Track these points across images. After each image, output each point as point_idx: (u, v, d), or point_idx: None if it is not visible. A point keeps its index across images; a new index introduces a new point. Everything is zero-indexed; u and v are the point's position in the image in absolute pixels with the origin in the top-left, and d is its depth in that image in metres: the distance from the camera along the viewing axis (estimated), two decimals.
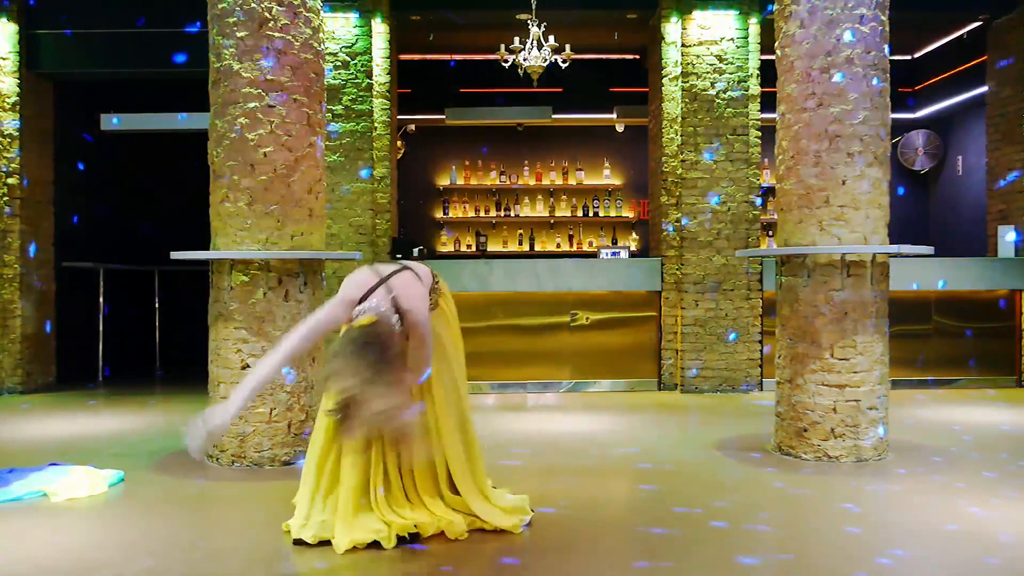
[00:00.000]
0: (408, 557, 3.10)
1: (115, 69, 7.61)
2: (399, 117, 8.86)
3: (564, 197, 10.16)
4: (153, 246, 7.38)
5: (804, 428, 4.66)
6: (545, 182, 10.13)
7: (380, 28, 7.35)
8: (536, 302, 7.30)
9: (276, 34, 4.50)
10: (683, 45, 7.21)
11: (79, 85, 8.10)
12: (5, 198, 7.23)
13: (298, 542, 3.22)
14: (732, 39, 7.18)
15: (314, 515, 3.25)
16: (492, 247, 10.10)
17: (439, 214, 10.15)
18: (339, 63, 7.17)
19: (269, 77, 4.49)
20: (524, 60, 7.23)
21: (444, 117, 9.61)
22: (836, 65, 4.57)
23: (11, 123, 7.25)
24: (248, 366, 4.47)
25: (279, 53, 4.51)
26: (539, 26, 7.23)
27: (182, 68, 7.26)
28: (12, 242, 7.26)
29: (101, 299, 8.13)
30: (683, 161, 7.21)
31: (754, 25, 7.23)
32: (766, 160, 9.29)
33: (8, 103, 7.25)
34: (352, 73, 7.20)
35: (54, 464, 4.35)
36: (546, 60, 7.25)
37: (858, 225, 4.57)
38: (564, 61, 7.31)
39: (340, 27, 7.19)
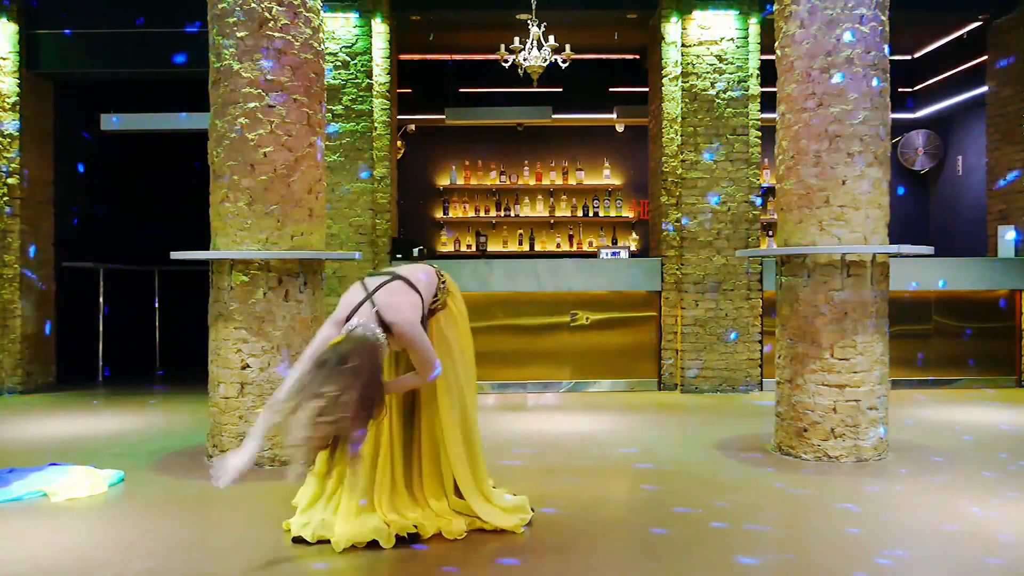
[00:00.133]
0: (408, 557, 3.10)
1: (115, 69, 7.62)
2: (399, 117, 8.86)
3: (564, 197, 10.16)
4: (153, 246, 7.38)
5: (804, 428, 4.66)
6: (545, 182, 10.13)
7: (380, 28, 7.35)
8: (536, 302, 7.30)
9: (276, 34, 4.50)
10: (683, 45, 7.21)
11: (79, 85, 8.11)
12: (5, 198, 7.23)
13: (297, 540, 3.22)
14: (732, 39, 7.18)
15: (315, 514, 3.26)
16: (492, 247, 10.10)
17: (439, 214, 10.15)
18: (339, 63, 7.17)
19: (269, 77, 4.49)
20: (524, 60, 7.23)
21: (444, 117, 9.61)
22: (836, 65, 4.57)
23: (11, 123, 7.25)
24: (248, 366, 4.47)
25: (279, 53, 4.51)
26: (539, 26, 7.23)
27: (182, 68, 7.27)
28: (12, 242, 7.26)
29: (101, 299, 8.13)
30: (683, 161, 7.21)
31: (754, 25, 7.23)
32: (766, 160, 9.29)
33: (8, 103, 7.26)
34: (352, 73, 7.20)
35: (54, 464, 4.35)
36: (546, 60, 7.25)
37: (858, 225, 4.57)
38: (564, 61, 7.31)
39: (340, 27, 7.19)
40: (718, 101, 7.18)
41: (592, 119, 9.91)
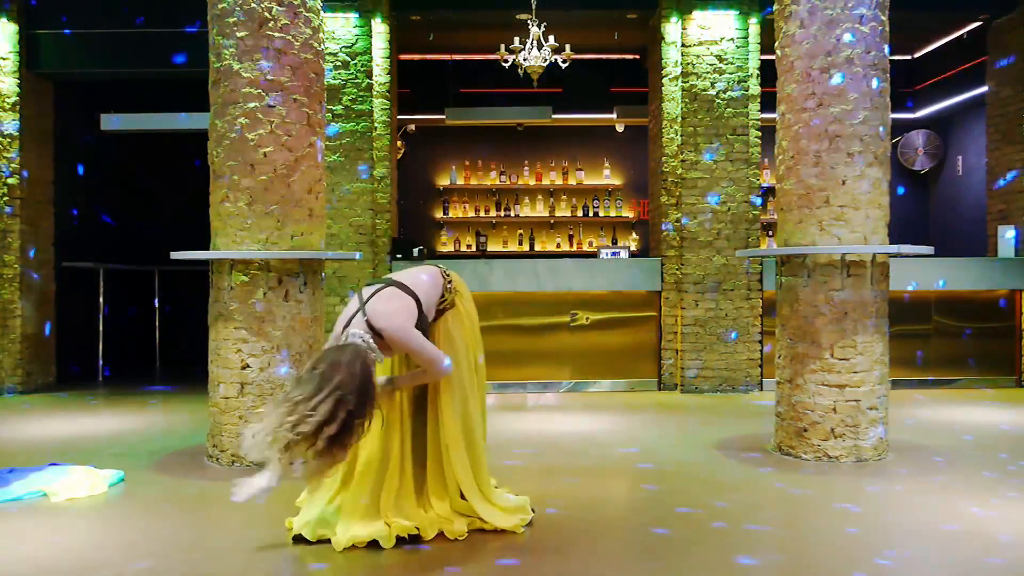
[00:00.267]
0: (408, 557, 3.10)
1: (115, 69, 7.62)
2: (399, 117, 8.86)
3: (564, 197, 10.16)
4: (153, 246, 7.38)
5: (804, 428, 4.66)
6: (545, 182, 10.12)
7: (380, 28, 7.34)
8: (536, 302, 7.30)
9: (276, 34, 4.50)
10: (683, 45, 7.21)
11: (79, 85, 8.11)
12: (5, 198, 7.23)
13: (298, 539, 3.23)
14: (732, 39, 7.18)
15: (317, 513, 3.27)
16: (492, 247, 10.10)
17: (439, 214, 10.15)
18: (339, 63, 7.17)
19: (269, 77, 4.49)
20: (524, 60, 7.22)
21: (444, 117, 9.60)
22: (836, 65, 4.57)
23: (11, 123, 7.25)
24: (248, 366, 4.47)
25: (279, 53, 4.51)
26: (539, 26, 7.22)
27: (182, 68, 7.27)
28: (12, 242, 7.26)
29: (101, 299, 8.13)
30: (683, 161, 7.21)
31: (754, 25, 7.23)
32: (766, 160, 9.29)
33: (8, 103, 7.26)
34: (352, 73, 7.20)
35: (54, 464, 4.35)
36: (546, 60, 7.25)
37: (858, 225, 4.57)
38: (564, 61, 7.31)
39: (340, 27, 7.19)
40: (718, 101, 7.18)
41: (592, 119, 9.91)
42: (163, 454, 4.85)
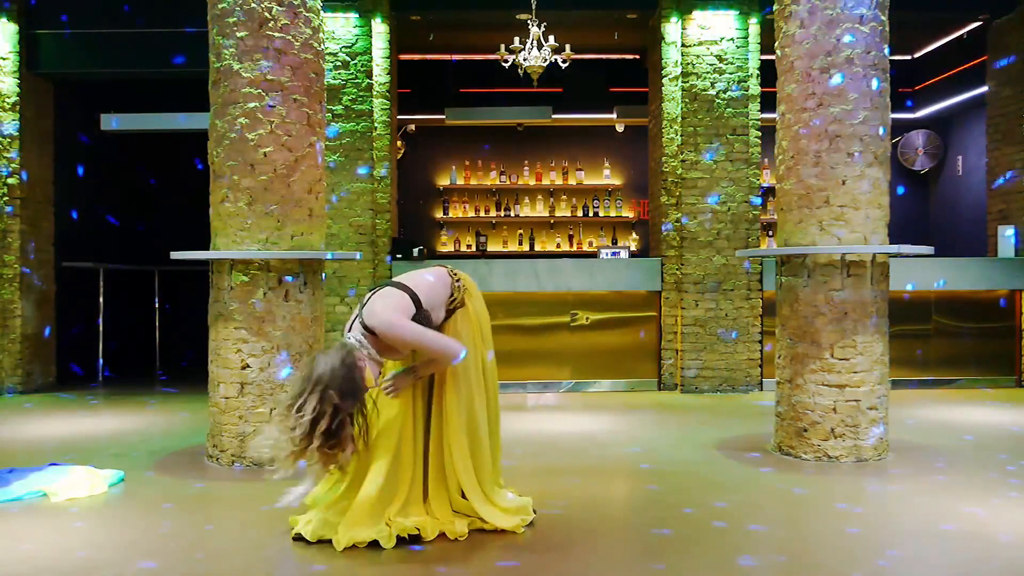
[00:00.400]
0: (408, 557, 3.10)
1: (115, 69, 7.62)
2: (399, 117, 8.86)
3: (564, 197, 10.16)
4: (153, 246, 7.38)
5: (804, 428, 4.66)
6: (545, 182, 10.12)
7: (380, 28, 7.34)
8: (536, 302, 7.30)
9: (276, 34, 4.50)
10: (683, 45, 7.21)
11: (79, 85, 8.11)
12: (5, 198, 7.23)
13: (298, 538, 3.23)
14: (732, 39, 7.18)
15: (319, 513, 3.27)
16: (492, 247, 10.10)
17: (439, 214, 10.15)
18: (339, 63, 7.17)
19: (269, 77, 4.49)
20: (524, 60, 7.22)
21: (444, 117, 9.61)
22: (836, 65, 4.57)
23: (11, 123, 7.25)
24: (248, 366, 4.47)
25: (279, 53, 4.51)
26: (539, 26, 7.22)
27: (182, 68, 7.26)
28: (12, 242, 7.27)
29: (101, 299, 8.13)
30: (683, 161, 7.21)
31: (754, 25, 7.23)
32: (766, 160, 9.29)
33: (8, 103, 7.26)
34: (352, 73, 7.20)
35: (54, 464, 4.35)
36: (546, 60, 7.25)
37: (858, 225, 4.57)
38: (564, 61, 7.31)
39: (340, 27, 7.19)
40: (718, 101, 7.18)
41: (592, 119, 9.91)
42: (163, 454, 4.85)
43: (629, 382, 7.38)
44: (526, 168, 10.16)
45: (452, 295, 3.41)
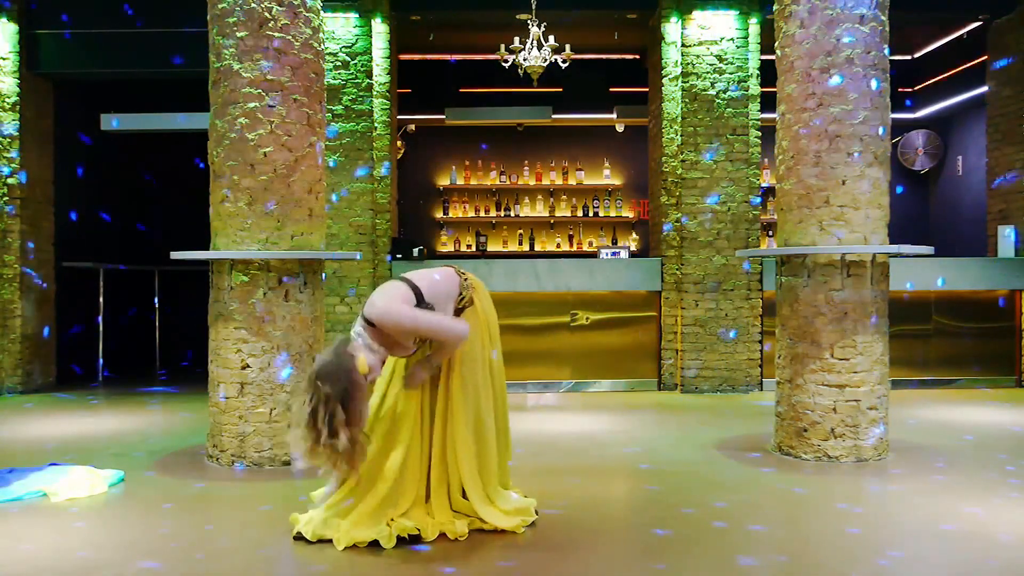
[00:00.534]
0: (408, 557, 3.10)
1: (115, 69, 7.62)
2: (399, 117, 8.86)
3: (564, 197, 10.16)
4: (153, 246, 7.37)
5: (804, 428, 4.66)
6: (545, 182, 10.12)
7: (380, 28, 7.34)
8: (536, 302, 7.30)
9: (276, 34, 4.50)
10: (683, 45, 7.21)
11: (79, 85, 8.11)
12: (5, 198, 7.23)
13: (298, 537, 3.24)
14: (732, 39, 7.18)
15: (321, 513, 3.27)
16: (492, 247, 10.10)
17: (439, 214, 10.15)
18: (339, 63, 7.17)
19: (269, 77, 4.49)
20: (524, 60, 7.22)
21: (444, 117, 9.61)
22: (836, 65, 4.57)
23: (11, 123, 7.25)
24: (248, 366, 4.47)
25: (279, 53, 4.51)
26: (539, 26, 7.22)
27: (182, 68, 7.26)
28: (12, 242, 7.27)
29: (101, 299, 8.13)
30: (683, 161, 7.21)
31: (754, 25, 7.23)
32: (766, 160, 9.29)
33: (8, 103, 7.25)
34: (352, 73, 7.20)
35: (54, 464, 4.35)
36: (546, 60, 7.25)
37: (858, 225, 4.57)
38: (564, 61, 7.31)
39: (340, 27, 7.19)
40: (718, 101, 7.18)
41: (592, 119, 9.91)
42: (163, 454, 4.85)
43: (629, 382, 7.38)
44: (526, 168, 10.16)
45: (461, 294, 3.41)
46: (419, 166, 10.14)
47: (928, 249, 4.80)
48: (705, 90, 7.19)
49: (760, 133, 7.28)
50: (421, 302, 3.24)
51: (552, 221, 10.13)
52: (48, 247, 7.67)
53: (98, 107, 8.19)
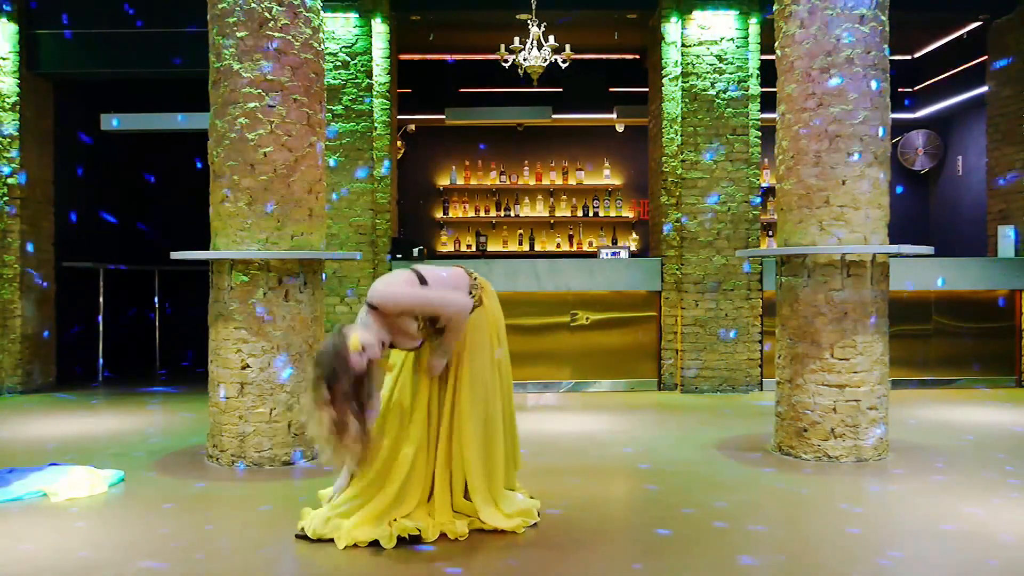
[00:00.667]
0: (410, 557, 3.10)
1: (115, 69, 7.62)
2: (399, 117, 8.86)
3: (564, 197, 10.16)
4: (153, 246, 7.37)
5: (804, 428, 4.66)
6: (545, 182, 10.12)
7: (380, 28, 7.34)
8: (536, 302, 7.30)
9: (276, 34, 4.50)
10: (683, 45, 7.21)
11: (79, 85, 8.10)
12: (5, 198, 7.23)
13: (300, 535, 3.25)
14: (732, 39, 7.18)
15: (325, 515, 3.27)
16: (492, 247, 10.10)
17: (439, 214, 10.15)
18: (339, 63, 7.17)
19: (269, 77, 4.49)
20: (524, 60, 7.22)
21: (444, 117, 9.61)
22: (836, 65, 4.57)
23: (11, 123, 7.25)
24: (248, 366, 4.47)
25: (279, 53, 4.51)
26: (539, 26, 7.22)
27: (182, 68, 7.26)
28: (12, 242, 7.26)
29: (101, 299, 8.13)
30: (683, 161, 7.21)
31: (754, 25, 7.23)
32: (766, 160, 9.29)
33: (8, 103, 7.25)
34: (352, 73, 7.20)
35: (54, 464, 4.35)
36: (546, 60, 7.25)
37: (858, 225, 4.57)
38: (564, 61, 7.31)
39: (340, 27, 7.19)
40: (718, 101, 7.18)
41: (592, 119, 9.91)
42: (163, 454, 4.85)
43: (629, 382, 7.38)
44: (526, 168, 10.16)
45: (471, 293, 3.41)
46: (419, 166, 10.14)
47: (928, 249, 4.80)
48: (705, 90, 7.19)
49: (760, 133, 7.28)
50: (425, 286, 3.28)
51: (552, 221, 10.13)
52: (48, 247, 7.67)
53: (98, 107, 8.19)
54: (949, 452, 4.80)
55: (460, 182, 10.11)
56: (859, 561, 3.04)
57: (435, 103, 9.63)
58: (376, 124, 7.29)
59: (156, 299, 8.97)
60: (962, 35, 8.72)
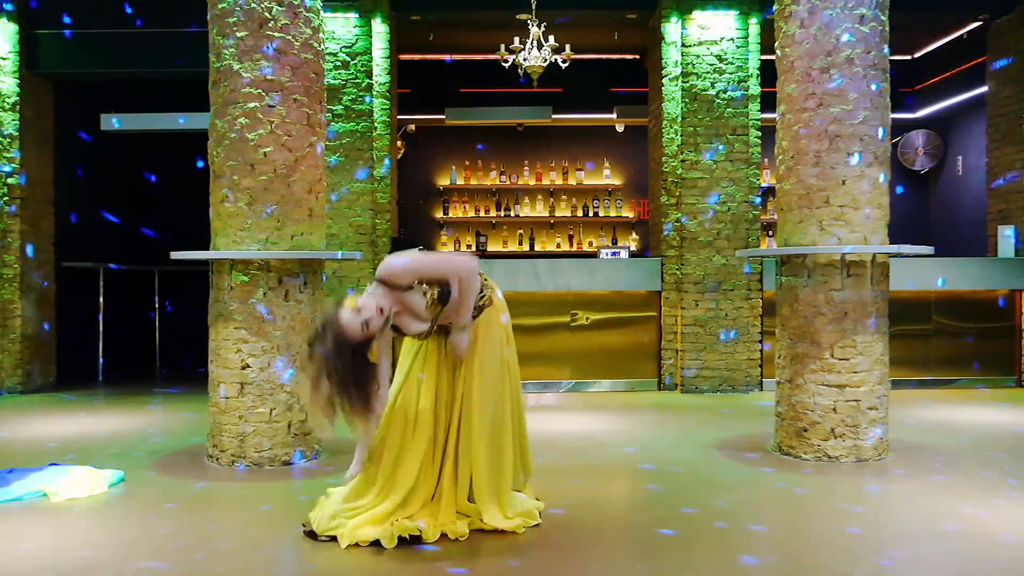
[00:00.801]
0: (408, 556, 3.10)
1: (115, 69, 7.62)
2: (399, 117, 8.86)
3: (564, 197, 10.16)
4: (153, 246, 7.37)
5: (804, 428, 4.66)
6: (545, 182, 10.13)
7: (380, 28, 7.34)
8: (536, 302, 7.30)
9: (276, 34, 4.50)
10: (683, 45, 7.21)
11: (79, 85, 8.10)
12: (5, 198, 7.23)
13: (309, 532, 3.26)
14: (732, 39, 7.18)
15: (333, 510, 3.27)
16: (492, 247, 10.10)
17: (439, 214, 10.15)
18: (339, 63, 7.17)
19: (269, 77, 4.49)
20: (524, 60, 7.22)
21: (444, 117, 9.61)
22: (836, 65, 4.57)
23: (11, 123, 7.25)
24: (248, 366, 4.47)
25: (279, 53, 4.51)
26: (539, 26, 7.22)
27: (182, 68, 7.26)
28: (12, 242, 7.26)
29: (101, 299, 8.13)
30: (683, 161, 7.21)
31: (754, 25, 7.23)
32: (766, 160, 9.29)
33: (8, 103, 7.25)
34: (352, 73, 7.20)
35: (54, 464, 4.35)
36: (546, 60, 7.25)
37: (858, 225, 4.57)
38: (564, 61, 7.31)
39: (340, 27, 7.19)
40: (718, 101, 7.18)
41: (592, 119, 9.91)
42: (163, 454, 4.85)
43: (629, 382, 7.38)
44: (526, 168, 10.16)
45: (482, 292, 3.41)
46: (419, 166, 10.14)
47: (928, 249, 4.80)
48: (705, 90, 7.18)
49: (760, 133, 7.28)
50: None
51: (552, 221, 10.13)
52: (48, 247, 7.67)
53: (98, 107, 8.20)
54: (949, 452, 4.80)
55: (460, 182, 10.11)
56: (859, 561, 3.04)
57: (435, 103, 9.63)
58: (376, 124, 7.29)
59: (156, 299, 8.97)
60: (962, 35, 8.72)
